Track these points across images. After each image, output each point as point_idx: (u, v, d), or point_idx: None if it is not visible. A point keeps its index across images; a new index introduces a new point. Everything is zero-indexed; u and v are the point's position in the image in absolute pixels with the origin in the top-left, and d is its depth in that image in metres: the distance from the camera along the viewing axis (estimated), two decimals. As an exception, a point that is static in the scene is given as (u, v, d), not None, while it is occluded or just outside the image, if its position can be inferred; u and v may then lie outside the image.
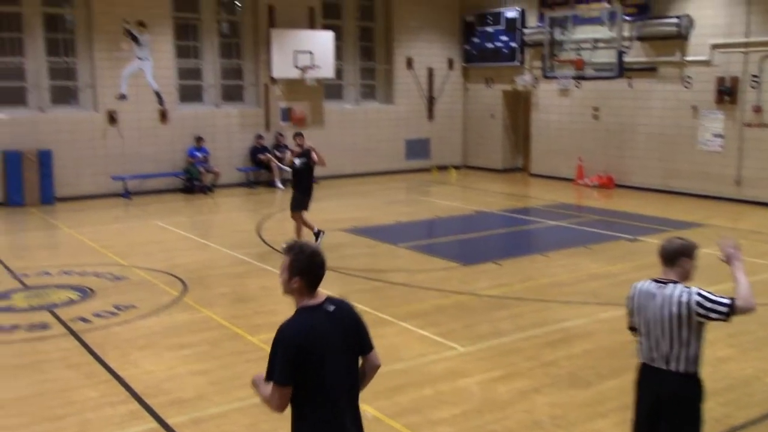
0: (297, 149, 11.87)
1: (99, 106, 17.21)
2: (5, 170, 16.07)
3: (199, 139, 18.11)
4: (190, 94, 18.76)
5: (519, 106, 21.39)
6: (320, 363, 3.43)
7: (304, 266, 3.51)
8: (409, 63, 21.48)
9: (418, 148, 21.91)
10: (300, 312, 3.53)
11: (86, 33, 17.08)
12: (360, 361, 3.66)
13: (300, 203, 11.87)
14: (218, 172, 18.28)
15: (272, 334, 7.35)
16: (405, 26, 21.28)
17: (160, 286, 9.81)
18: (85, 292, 9.48)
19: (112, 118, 17.27)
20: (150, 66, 17.64)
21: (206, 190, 17.89)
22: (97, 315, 8.55)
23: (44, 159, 16.29)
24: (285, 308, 8.75)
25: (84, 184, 17.03)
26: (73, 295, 9.39)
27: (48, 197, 16.35)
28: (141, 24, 17.32)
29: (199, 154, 18.06)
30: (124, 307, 8.86)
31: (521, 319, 8.41)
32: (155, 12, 17.57)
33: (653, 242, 12.24)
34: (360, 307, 8.68)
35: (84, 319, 8.39)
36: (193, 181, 17.89)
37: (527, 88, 20.46)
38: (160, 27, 17.70)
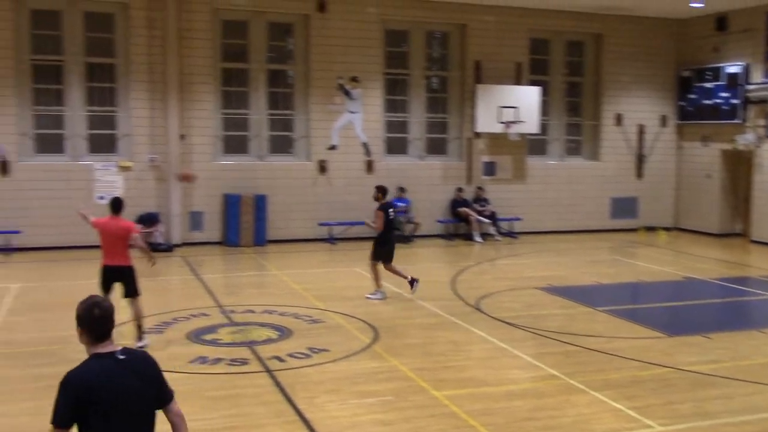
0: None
1: (311, 155, 18.24)
2: (225, 212, 17.41)
3: (401, 190, 18.56)
4: (396, 146, 19.36)
5: (740, 166, 19.84)
6: (108, 408, 3.51)
7: (85, 319, 3.64)
8: (618, 119, 20.75)
9: (624, 207, 20.98)
10: (89, 358, 3.64)
11: (304, 88, 18.25)
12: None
13: (376, 254, 12.17)
14: (418, 222, 18.59)
15: (458, 391, 7.24)
16: (615, 81, 20.64)
17: (353, 332, 10.04)
18: (284, 332, 9.91)
19: (322, 167, 18.21)
20: (360, 119, 18.46)
21: (406, 239, 18.22)
22: (292, 355, 8.89)
23: (260, 203, 17.46)
24: (474, 364, 8.68)
25: (293, 228, 18.02)
26: (273, 334, 9.85)
27: (261, 239, 17.45)
28: (354, 79, 18.22)
29: (401, 204, 18.50)
30: (318, 349, 9.14)
31: (731, 402, 7.62)
32: (368, 68, 18.42)
33: None
34: (550, 371, 8.43)
35: (279, 358, 8.75)
36: (394, 230, 18.28)
37: (749, 148, 18.96)
38: (371, 82, 18.52)
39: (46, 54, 16.65)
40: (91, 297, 3.76)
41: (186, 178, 11.68)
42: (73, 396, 3.51)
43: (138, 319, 9.18)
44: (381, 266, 12.20)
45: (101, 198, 16.46)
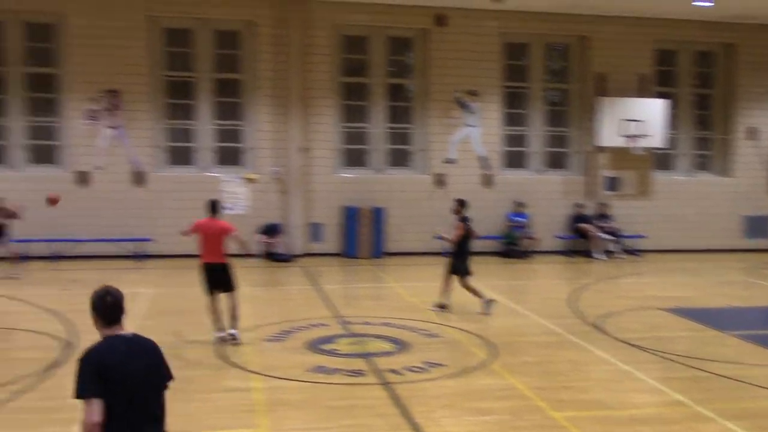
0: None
1: (428, 168, 18.30)
2: (344, 224, 17.71)
3: (519, 205, 18.30)
4: (515, 159, 19.12)
5: None
6: (121, 386, 3.92)
7: (98, 306, 4.08)
8: (752, 133, 19.68)
9: (759, 225, 19.83)
10: (103, 340, 4.08)
11: (422, 101, 18.36)
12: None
13: (457, 268, 11.97)
14: (536, 238, 18.25)
15: (579, 413, 7.10)
16: (748, 93, 19.61)
17: (469, 347, 9.95)
18: (400, 345, 9.94)
19: (439, 181, 18.23)
20: (478, 132, 18.37)
21: (523, 255, 17.94)
22: (408, 369, 8.89)
23: (377, 216, 17.66)
24: (595, 385, 8.43)
25: (409, 241, 18.08)
26: (389, 346, 9.90)
27: (378, 251, 17.64)
28: (472, 93, 18.16)
29: (518, 219, 18.24)
30: (434, 364, 9.10)
31: None
32: (486, 81, 18.33)
33: None
34: (676, 397, 8.07)
35: (395, 371, 8.77)
36: (511, 245, 18.05)
37: None
38: (489, 95, 18.41)
39: (178, 70, 17.53)
40: (105, 287, 4.18)
41: (52, 201, 12.43)
42: (93, 370, 3.93)
43: (233, 310, 9.82)
44: (470, 280, 12.05)
45: (227, 209, 17.15)
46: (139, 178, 17.00)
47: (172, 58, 17.55)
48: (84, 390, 3.90)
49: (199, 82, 17.55)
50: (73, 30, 16.65)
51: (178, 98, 17.60)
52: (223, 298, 9.96)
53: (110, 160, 16.85)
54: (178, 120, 17.63)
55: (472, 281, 12.13)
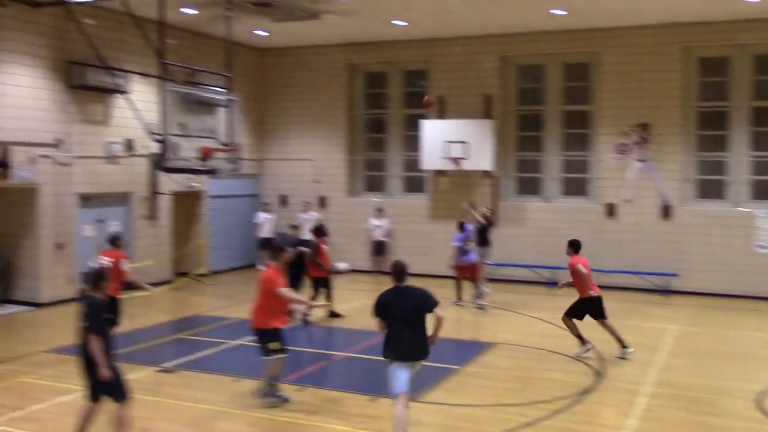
0: None
1: None
2: None
3: None
4: None
5: None
6: (395, 308, 7.14)
7: (390, 270, 7.36)
8: None
9: None
10: (390, 287, 7.29)
11: None
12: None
13: None
14: None
15: None
16: None
17: None
18: None
19: None
20: None
21: None
22: None
23: None
24: None
25: None
26: None
27: None
28: None
29: None
30: None
31: None
32: None
33: None
34: None
35: None
36: None
37: None
38: None
39: (711, 100, 16.80)
40: (396, 260, 7.48)
41: (428, 104, 14.49)
42: (379, 304, 7.21)
43: (615, 333, 10.83)
44: None
45: (763, 248, 15.82)
46: (666, 211, 16.73)
47: (705, 88, 16.90)
48: (375, 313, 7.21)
49: (734, 112, 16.55)
50: (606, 68, 17.26)
51: (709, 129, 16.86)
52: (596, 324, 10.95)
53: (638, 193, 16.93)
54: (708, 152, 16.88)
55: None
